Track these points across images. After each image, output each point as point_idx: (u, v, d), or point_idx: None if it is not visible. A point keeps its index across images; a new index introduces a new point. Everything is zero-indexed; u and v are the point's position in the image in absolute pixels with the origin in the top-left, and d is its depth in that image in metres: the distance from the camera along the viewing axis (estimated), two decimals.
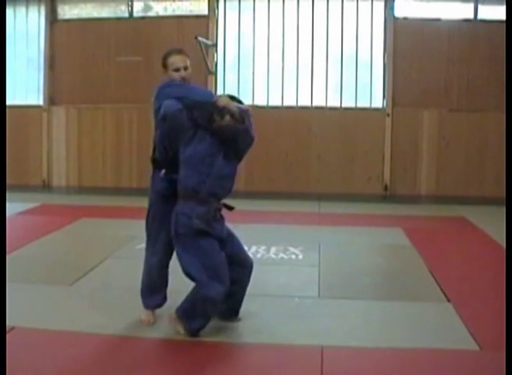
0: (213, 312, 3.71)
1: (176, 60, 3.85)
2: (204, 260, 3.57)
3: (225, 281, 3.57)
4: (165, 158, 3.81)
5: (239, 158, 3.67)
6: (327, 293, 4.70)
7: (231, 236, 3.81)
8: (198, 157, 3.55)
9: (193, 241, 3.57)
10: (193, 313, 3.63)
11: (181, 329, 3.69)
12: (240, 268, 3.76)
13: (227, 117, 3.50)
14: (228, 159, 3.59)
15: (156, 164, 3.91)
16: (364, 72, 10.07)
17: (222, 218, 3.73)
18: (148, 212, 3.99)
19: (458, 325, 3.96)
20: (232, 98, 3.64)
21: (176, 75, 3.83)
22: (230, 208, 3.72)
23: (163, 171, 3.84)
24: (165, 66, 3.88)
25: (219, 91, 9.89)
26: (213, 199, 3.60)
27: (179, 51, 3.90)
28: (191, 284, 3.66)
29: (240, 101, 3.65)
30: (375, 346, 3.62)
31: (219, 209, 3.68)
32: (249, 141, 3.62)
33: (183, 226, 3.58)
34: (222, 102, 3.54)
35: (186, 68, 3.86)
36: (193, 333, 3.66)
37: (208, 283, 3.53)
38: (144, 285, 4.03)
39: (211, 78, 10.07)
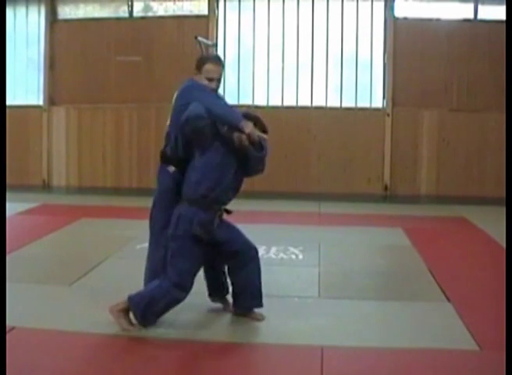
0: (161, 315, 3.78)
1: (213, 69, 3.84)
2: (196, 267, 3.75)
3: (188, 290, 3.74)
4: (176, 156, 3.86)
5: (247, 176, 3.85)
6: (327, 293, 4.69)
7: (230, 232, 3.90)
8: (212, 166, 3.68)
9: (190, 246, 3.69)
10: (152, 310, 3.69)
11: (127, 323, 3.72)
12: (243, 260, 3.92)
13: (246, 142, 3.64)
14: (238, 174, 3.76)
15: (165, 159, 3.92)
16: (364, 72, 10.07)
17: (221, 222, 3.84)
18: (153, 207, 4.00)
19: (458, 325, 3.96)
20: (256, 119, 3.74)
21: (207, 84, 3.83)
22: (229, 212, 3.88)
23: (172, 168, 3.87)
24: (199, 68, 3.86)
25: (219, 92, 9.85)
26: (217, 206, 3.75)
27: (218, 62, 3.90)
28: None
29: (262, 124, 3.75)
30: (375, 346, 3.62)
31: (221, 215, 3.82)
32: (259, 168, 3.80)
33: (183, 230, 3.69)
34: (248, 130, 3.62)
35: (219, 80, 3.89)
36: (144, 326, 3.72)
37: (188, 289, 3.70)
38: (147, 281, 4.01)
39: None
